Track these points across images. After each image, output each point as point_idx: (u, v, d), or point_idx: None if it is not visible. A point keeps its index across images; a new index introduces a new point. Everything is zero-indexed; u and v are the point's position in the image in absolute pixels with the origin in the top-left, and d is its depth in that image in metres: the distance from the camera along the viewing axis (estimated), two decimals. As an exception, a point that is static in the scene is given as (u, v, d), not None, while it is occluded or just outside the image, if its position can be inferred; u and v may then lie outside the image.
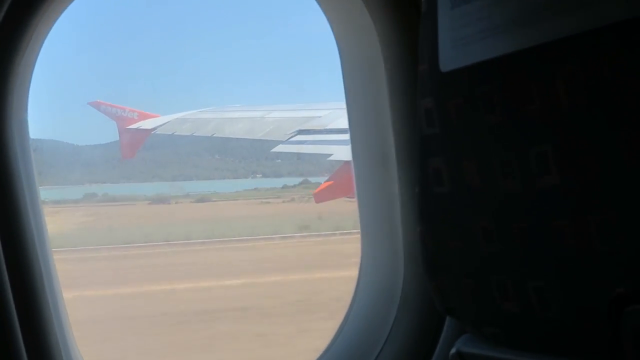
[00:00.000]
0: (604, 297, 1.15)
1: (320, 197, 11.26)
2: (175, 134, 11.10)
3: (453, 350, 1.46)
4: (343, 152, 9.43)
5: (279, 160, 16.96)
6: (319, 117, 10.33)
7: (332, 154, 10.05)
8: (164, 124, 11.07)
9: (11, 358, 1.81)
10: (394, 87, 1.99)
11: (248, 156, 16.47)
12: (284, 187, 17.48)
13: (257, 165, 16.67)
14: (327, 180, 10.70)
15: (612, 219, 1.12)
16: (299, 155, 13.58)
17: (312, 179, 16.54)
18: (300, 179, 17.61)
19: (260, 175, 17.30)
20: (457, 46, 1.30)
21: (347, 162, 9.61)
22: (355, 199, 2.24)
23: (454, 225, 1.40)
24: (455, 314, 1.46)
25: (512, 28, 1.19)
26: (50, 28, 1.89)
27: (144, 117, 11.07)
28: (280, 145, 10.66)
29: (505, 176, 1.28)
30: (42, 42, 1.90)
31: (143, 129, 10.95)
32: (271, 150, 11.14)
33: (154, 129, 11.02)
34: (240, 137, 11.23)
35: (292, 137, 10.28)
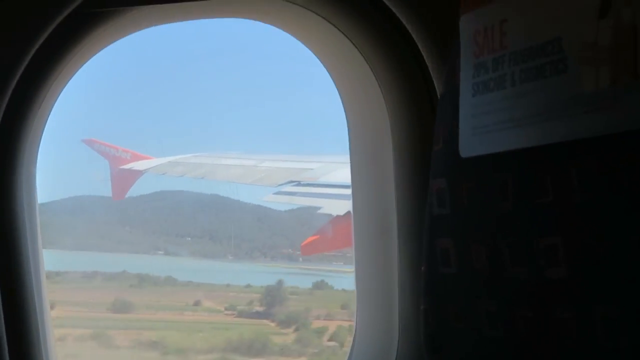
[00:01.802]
0: None
1: (306, 251, 11.24)
2: (166, 174, 11.09)
3: None
4: (333, 206, 9.43)
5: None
6: (312, 169, 10.34)
7: (321, 207, 10.03)
8: (156, 165, 11.05)
9: None
10: (400, 163, 2.02)
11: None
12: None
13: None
14: (313, 235, 10.67)
15: (618, 316, 1.13)
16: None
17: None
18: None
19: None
20: (477, 134, 1.31)
21: (336, 217, 9.61)
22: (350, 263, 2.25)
23: (458, 306, 1.41)
24: None
25: (534, 122, 1.21)
26: (64, 87, 1.92)
27: (137, 158, 11.06)
28: (271, 195, 10.65)
29: (513, 263, 1.29)
30: (58, 96, 1.93)
31: (135, 170, 10.93)
32: (263, 199, 11.08)
33: (146, 170, 11.01)
34: (232, 181, 11.20)
35: (282, 187, 10.27)
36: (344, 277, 12.19)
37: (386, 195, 2.07)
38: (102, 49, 1.99)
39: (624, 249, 1.11)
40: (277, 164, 10.86)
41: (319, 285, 11.68)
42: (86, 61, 1.95)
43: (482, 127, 1.31)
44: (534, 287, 1.24)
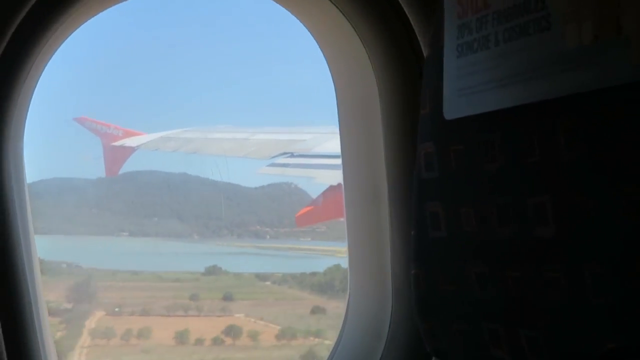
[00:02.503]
0: (595, 352, 1.16)
1: (301, 221, 11.26)
2: (158, 150, 11.07)
3: None
4: (327, 177, 9.44)
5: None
6: (304, 140, 10.33)
7: (315, 178, 10.04)
8: (148, 142, 11.04)
9: None
10: (389, 128, 2.01)
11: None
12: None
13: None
14: (307, 206, 10.69)
15: (606, 273, 1.13)
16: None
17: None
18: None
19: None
20: (462, 95, 1.31)
21: (330, 187, 9.62)
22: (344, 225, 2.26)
23: (448, 269, 1.41)
24: (444, 357, 1.46)
25: (519, 81, 1.20)
26: (51, 57, 1.90)
27: (129, 134, 11.05)
28: (264, 167, 10.65)
29: (501, 224, 1.29)
30: (44, 68, 1.91)
31: (127, 147, 10.92)
32: (257, 171, 11.07)
33: (138, 146, 11.00)
34: (225, 155, 11.17)
35: (275, 159, 10.27)
36: (292, 258, 12.17)
37: (376, 161, 2.07)
38: (87, 20, 1.97)
39: (611, 206, 1.11)
40: (270, 136, 10.86)
41: (211, 271, 11.49)
42: (70, 33, 1.93)
43: (467, 89, 1.31)
44: (523, 247, 1.25)
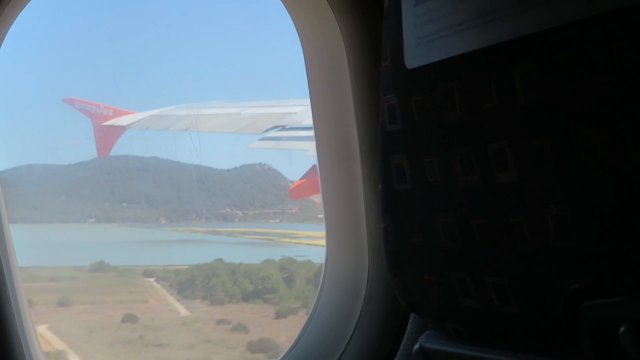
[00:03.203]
0: (560, 294, 1.16)
1: (295, 194, 11.27)
2: (150, 128, 11.04)
3: (416, 346, 1.47)
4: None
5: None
6: (295, 113, 10.31)
7: (307, 150, 10.02)
8: (139, 120, 11.01)
9: None
10: (357, 84, 2.01)
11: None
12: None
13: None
14: (300, 178, 10.69)
15: (567, 216, 1.13)
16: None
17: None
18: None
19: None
20: (421, 44, 1.30)
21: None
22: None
23: (415, 221, 1.41)
24: (418, 310, 1.46)
25: (475, 25, 1.20)
26: (10, 24, 1.87)
27: (119, 113, 11.01)
28: (256, 142, 10.63)
29: (464, 172, 1.29)
30: (2, 39, 1.88)
31: (118, 126, 10.89)
32: (248, 146, 11.03)
33: (129, 125, 10.97)
34: (216, 131, 11.12)
35: (267, 133, 10.26)
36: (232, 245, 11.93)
37: (346, 118, 2.06)
38: None
39: (568, 149, 1.11)
40: (261, 110, 10.83)
41: (98, 267, 11.05)
42: (24, 7, 1.90)
43: (426, 36, 1.30)
44: (487, 195, 1.24)
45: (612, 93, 1.03)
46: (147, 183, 11.90)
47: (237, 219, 12.01)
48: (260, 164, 12.01)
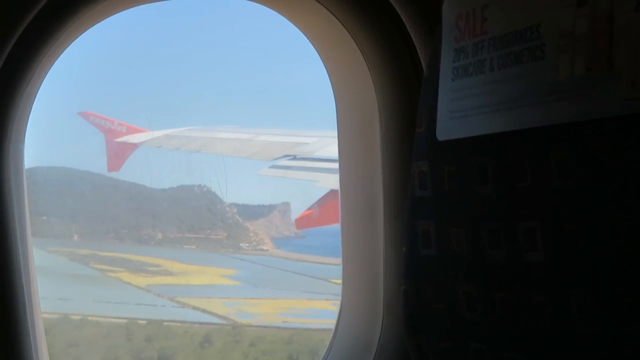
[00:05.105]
0: None
1: (301, 224, 11.26)
2: (161, 147, 11.06)
3: None
4: (329, 180, 9.43)
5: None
6: (307, 143, 10.34)
7: (317, 181, 10.04)
8: (151, 139, 11.05)
9: None
10: (387, 144, 2.03)
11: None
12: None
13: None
14: (308, 209, 10.68)
15: (591, 301, 1.14)
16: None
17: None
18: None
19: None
20: (454, 118, 1.33)
21: (331, 190, 9.62)
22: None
23: (438, 287, 1.43)
24: None
25: (512, 107, 1.22)
26: (54, 62, 1.92)
27: (133, 130, 11.05)
28: (266, 169, 10.66)
29: (492, 246, 1.30)
30: (47, 73, 1.92)
31: (130, 143, 10.93)
32: (258, 172, 10.99)
33: (141, 143, 11.01)
34: (229, 155, 11.11)
35: (277, 161, 10.28)
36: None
37: (374, 176, 2.09)
38: (91, 27, 1.99)
39: (599, 235, 1.13)
40: (273, 138, 10.86)
41: None
42: (73, 40, 1.95)
43: (460, 111, 1.32)
44: (512, 270, 1.26)
45: None
46: (75, 197, 11.52)
47: (152, 242, 11.53)
48: (198, 185, 11.71)
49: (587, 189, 1.13)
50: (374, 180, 2.08)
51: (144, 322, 9.89)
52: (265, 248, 12.10)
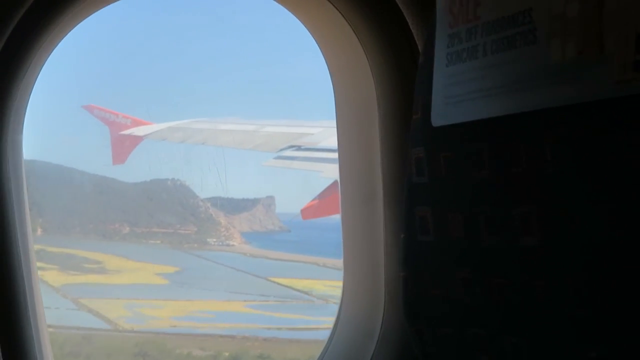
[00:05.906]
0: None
1: (306, 214, 11.27)
2: (166, 140, 11.06)
3: None
4: (334, 171, 9.42)
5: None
6: (312, 134, 10.34)
7: (321, 172, 10.04)
8: (156, 131, 11.06)
9: None
10: (386, 130, 2.03)
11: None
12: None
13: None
14: (313, 199, 10.68)
15: (588, 283, 1.15)
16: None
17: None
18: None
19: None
20: (449, 103, 1.33)
21: (336, 181, 9.61)
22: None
23: (436, 273, 1.43)
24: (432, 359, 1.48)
25: (505, 92, 1.22)
26: (50, 53, 1.92)
27: (137, 123, 11.07)
28: (271, 160, 10.66)
29: (488, 231, 1.31)
30: (44, 63, 1.93)
31: (135, 136, 10.94)
32: (262, 164, 10.97)
33: (146, 136, 11.02)
34: (233, 147, 11.10)
35: (282, 152, 10.27)
36: None
37: (372, 163, 2.09)
38: (87, 17, 1.98)
39: (594, 218, 1.13)
40: (277, 129, 10.85)
41: None
42: (70, 31, 1.94)
43: (454, 97, 1.33)
44: (509, 255, 1.26)
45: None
46: (44, 190, 11.30)
47: (117, 237, 11.32)
48: (172, 179, 11.54)
49: (581, 172, 1.13)
50: (373, 168, 2.09)
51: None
52: (232, 244, 11.90)
